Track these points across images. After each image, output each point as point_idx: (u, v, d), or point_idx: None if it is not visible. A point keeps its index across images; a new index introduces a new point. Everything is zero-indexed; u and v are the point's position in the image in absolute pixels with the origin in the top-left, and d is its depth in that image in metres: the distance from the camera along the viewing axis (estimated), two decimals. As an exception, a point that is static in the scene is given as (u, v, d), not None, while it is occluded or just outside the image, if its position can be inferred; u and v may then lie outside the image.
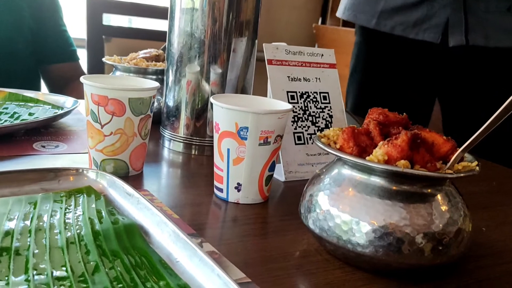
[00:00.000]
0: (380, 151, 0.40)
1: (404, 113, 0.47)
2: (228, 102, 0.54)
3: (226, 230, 0.50)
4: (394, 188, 0.41)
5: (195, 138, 0.73)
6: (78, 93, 1.17)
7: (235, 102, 0.56)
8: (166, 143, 0.75)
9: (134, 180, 0.60)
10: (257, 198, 0.56)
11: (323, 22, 2.86)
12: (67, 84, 1.25)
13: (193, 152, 0.74)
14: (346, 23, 2.80)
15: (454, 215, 0.42)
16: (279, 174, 0.65)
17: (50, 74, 1.26)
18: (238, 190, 0.55)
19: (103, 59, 0.87)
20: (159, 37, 1.43)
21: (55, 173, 0.51)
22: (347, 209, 0.41)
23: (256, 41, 0.75)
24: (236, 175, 0.55)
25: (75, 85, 1.22)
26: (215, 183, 0.57)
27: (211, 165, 0.67)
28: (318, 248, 0.47)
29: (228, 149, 0.54)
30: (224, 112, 0.54)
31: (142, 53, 0.92)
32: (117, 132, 0.57)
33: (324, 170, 0.47)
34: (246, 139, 0.53)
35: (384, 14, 1.07)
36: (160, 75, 0.85)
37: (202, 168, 0.69)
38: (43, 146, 0.67)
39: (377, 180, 0.42)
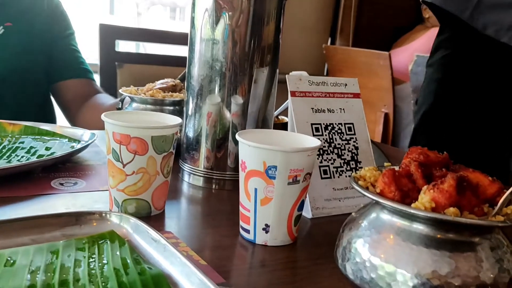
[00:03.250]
0: (426, 197, 0.38)
1: (445, 152, 0.45)
2: (254, 139, 0.52)
3: (256, 278, 0.48)
4: (439, 236, 0.39)
5: (215, 172, 0.71)
6: (93, 112, 1.13)
7: (261, 139, 0.54)
8: (186, 177, 0.73)
9: (156, 220, 0.57)
10: (285, 239, 0.54)
11: (333, 43, 2.86)
12: (82, 103, 1.18)
13: (214, 187, 0.71)
14: (356, 44, 2.80)
15: (505, 264, 0.39)
16: (306, 211, 0.62)
17: (63, 93, 1.20)
18: (266, 232, 0.53)
19: (120, 91, 0.86)
20: (171, 62, 1.43)
21: (76, 217, 0.49)
22: (391, 259, 0.39)
23: (277, 70, 0.73)
24: (264, 215, 0.52)
25: (90, 103, 1.17)
26: (241, 223, 0.55)
27: (233, 201, 0.65)
28: (357, 298, 0.44)
29: (256, 189, 0.52)
30: (251, 151, 0.51)
31: (159, 84, 0.90)
32: (139, 171, 0.55)
33: (360, 213, 0.45)
34: (274, 178, 0.51)
35: (478, 8, 0.91)
36: (177, 105, 0.84)
37: (225, 205, 0.66)
38: (62, 184, 0.65)
39: (420, 227, 0.39)
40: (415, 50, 2.26)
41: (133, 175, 0.55)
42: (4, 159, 0.69)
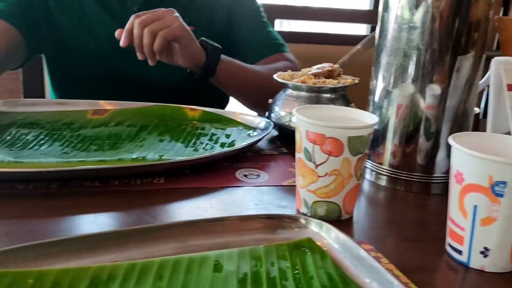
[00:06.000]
0: None
1: None
2: (473, 145, 0.44)
3: (478, 312, 0.41)
4: None
5: (402, 172, 0.64)
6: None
7: (480, 144, 0.46)
8: (367, 175, 0.68)
9: (346, 225, 0.53)
10: (507, 266, 0.45)
11: (505, 14, 2.48)
12: None
13: (398, 188, 0.65)
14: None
15: None
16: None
17: None
18: (485, 256, 0.45)
19: (274, 76, 0.81)
20: (335, 41, 1.37)
21: (276, 221, 0.47)
22: None
23: (484, 57, 0.63)
24: (483, 237, 0.44)
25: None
26: (450, 241, 0.48)
27: (423, 207, 0.59)
28: None
29: (475, 206, 0.44)
30: (473, 161, 0.43)
31: (314, 68, 0.84)
32: (333, 173, 0.52)
33: None
34: (502, 196, 0.42)
35: None
36: (333, 93, 0.77)
37: (415, 211, 0.60)
38: (245, 175, 0.65)
39: None
40: None
41: (326, 176, 0.52)
42: (191, 146, 0.72)
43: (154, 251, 0.43)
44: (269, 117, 0.82)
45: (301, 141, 0.53)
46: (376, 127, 0.62)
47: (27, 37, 0.94)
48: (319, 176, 0.52)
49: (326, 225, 0.46)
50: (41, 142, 0.69)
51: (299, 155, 0.54)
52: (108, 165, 0.59)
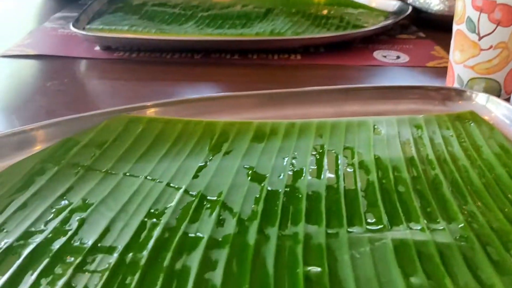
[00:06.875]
0: None
1: None
2: None
3: None
4: None
5: None
6: None
7: None
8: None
9: (505, 105, 0.49)
10: None
11: None
12: None
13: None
14: None
15: None
16: None
17: None
18: None
19: None
20: None
21: (435, 92, 0.44)
22: None
23: None
24: None
25: None
26: None
27: None
28: None
29: None
30: None
31: None
32: (498, 46, 0.46)
33: None
34: None
35: None
36: None
37: None
38: (384, 56, 0.61)
39: None
40: None
41: (490, 50, 0.47)
42: (322, 27, 0.69)
43: (309, 113, 0.43)
44: (405, 0, 0.75)
45: (464, 10, 0.48)
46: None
47: None
48: (482, 50, 0.47)
49: (493, 98, 0.43)
50: (177, 19, 0.70)
51: (458, 26, 0.49)
52: (248, 37, 0.59)
